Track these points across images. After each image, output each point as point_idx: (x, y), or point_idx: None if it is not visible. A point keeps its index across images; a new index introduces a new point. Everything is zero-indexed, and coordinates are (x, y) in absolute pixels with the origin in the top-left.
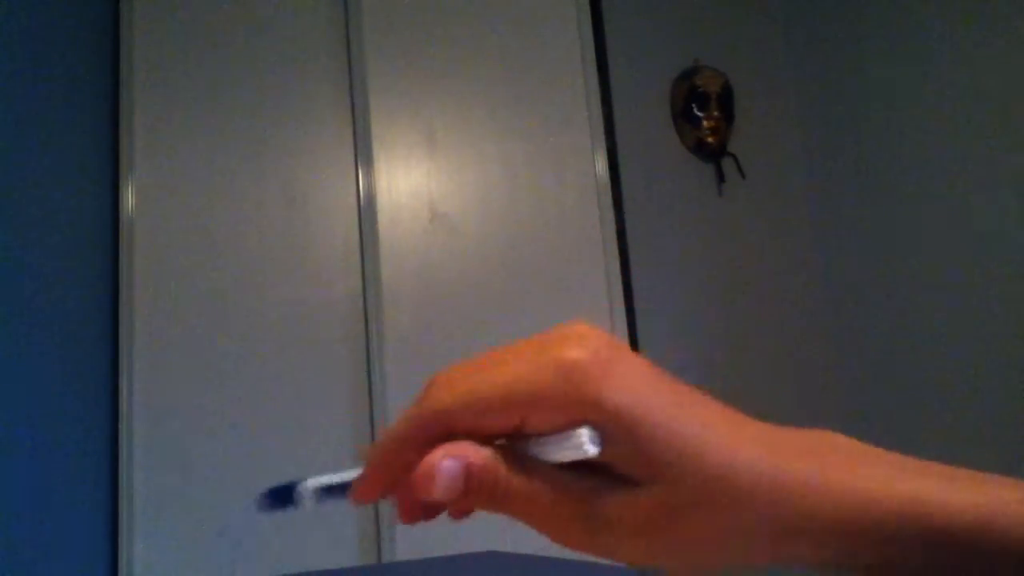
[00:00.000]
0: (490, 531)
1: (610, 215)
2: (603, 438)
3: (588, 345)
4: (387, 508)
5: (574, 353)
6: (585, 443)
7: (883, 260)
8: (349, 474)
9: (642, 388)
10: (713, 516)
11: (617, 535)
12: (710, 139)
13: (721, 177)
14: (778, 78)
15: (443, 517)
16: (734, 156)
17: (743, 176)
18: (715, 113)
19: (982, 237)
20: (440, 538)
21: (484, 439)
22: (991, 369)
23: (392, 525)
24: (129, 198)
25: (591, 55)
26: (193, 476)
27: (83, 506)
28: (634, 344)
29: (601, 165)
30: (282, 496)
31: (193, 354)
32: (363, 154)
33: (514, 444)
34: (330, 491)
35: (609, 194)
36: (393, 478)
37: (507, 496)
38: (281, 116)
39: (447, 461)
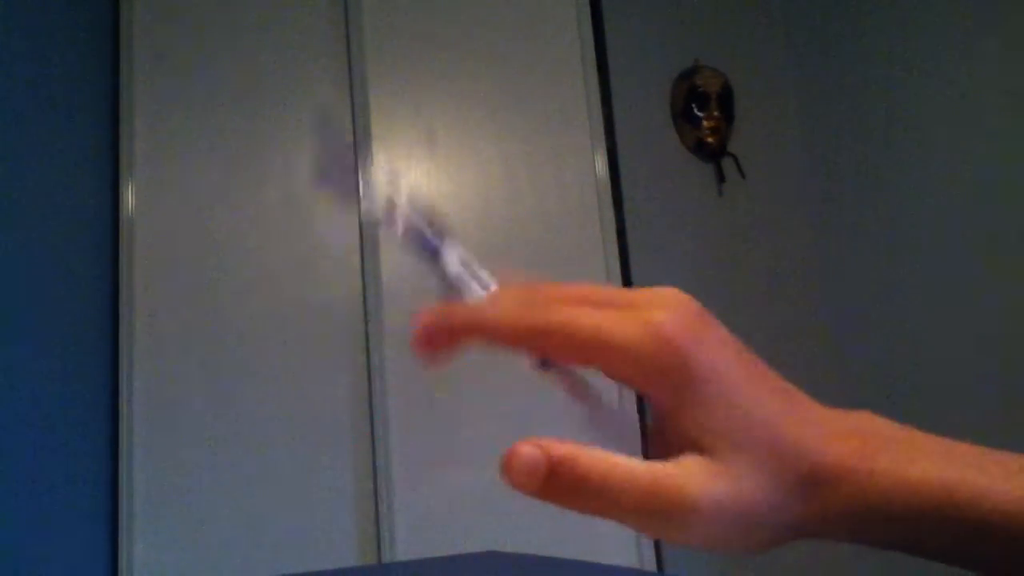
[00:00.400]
0: (490, 531)
1: (610, 215)
2: (680, 402)
3: (680, 311)
4: (387, 508)
5: (664, 316)
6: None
7: (883, 260)
8: (465, 276)
9: (726, 362)
10: (784, 502)
11: (703, 522)
12: (710, 139)
13: (721, 177)
14: (778, 78)
15: (443, 517)
16: (734, 156)
17: (743, 176)
18: (715, 113)
19: (982, 237)
20: (440, 538)
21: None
22: (991, 369)
23: (392, 525)
24: (129, 198)
25: (591, 55)
26: (193, 476)
27: (83, 506)
28: None
29: (601, 165)
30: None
31: (193, 354)
32: (363, 154)
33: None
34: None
35: (609, 194)
36: (452, 345)
37: (589, 491)
38: (281, 116)
39: (530, 449)
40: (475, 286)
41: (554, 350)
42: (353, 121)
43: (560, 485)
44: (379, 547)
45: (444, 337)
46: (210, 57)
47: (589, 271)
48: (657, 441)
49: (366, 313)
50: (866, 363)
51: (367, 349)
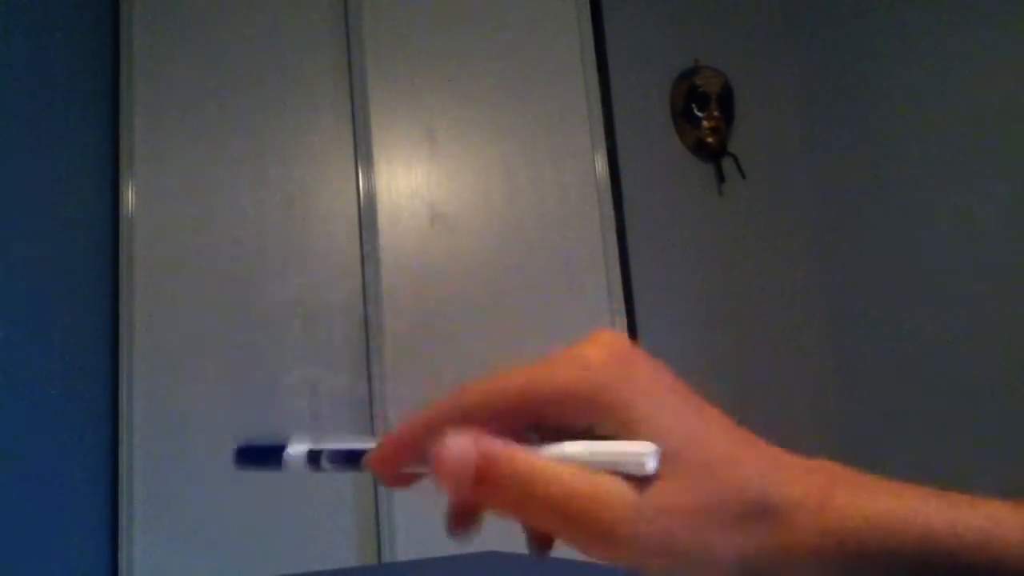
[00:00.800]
0: (490, 531)
1: (610, 215)
2: (614, 433)
3: (609, 345)
4: (387, 508)
5: (590, 352)
6: (647, 460)
7: (883, 260)
8: (347, 443)
9: (660, 390)
10: (724, 532)
11: (626, 539)
12: (710, 139)
13: (721, 177)
14: (778, 78)
15: (443, 517)
16: (734, 156)
17: (743, 176)
18: (715, 113)
19: (983, 237)
20: (440, 538)
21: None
22: (992, 369)
23: (392, 525)
24: (129, 198)
25: (591, 55)
26: (193, 477)
27: (83, 506)
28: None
29: (601, 165)
30: (264, 456)
31: (193, 354)
32: (363, 154)
33: (546, 447)
34: (319, 457)
35: (609, 194)
36: (406, 460)
37: (525, 491)
38: (281, 116)
39: (459, 442)
40: (337, 443)
41: (495, 420)
42: (353, 121)
43: (491, 479)
44: (379, 547)
45: (394, 464)
46: (210, 57)
47: (589, 271)
48: None
49: (366, 313)
50: (866, 363)
51: (367, 349)
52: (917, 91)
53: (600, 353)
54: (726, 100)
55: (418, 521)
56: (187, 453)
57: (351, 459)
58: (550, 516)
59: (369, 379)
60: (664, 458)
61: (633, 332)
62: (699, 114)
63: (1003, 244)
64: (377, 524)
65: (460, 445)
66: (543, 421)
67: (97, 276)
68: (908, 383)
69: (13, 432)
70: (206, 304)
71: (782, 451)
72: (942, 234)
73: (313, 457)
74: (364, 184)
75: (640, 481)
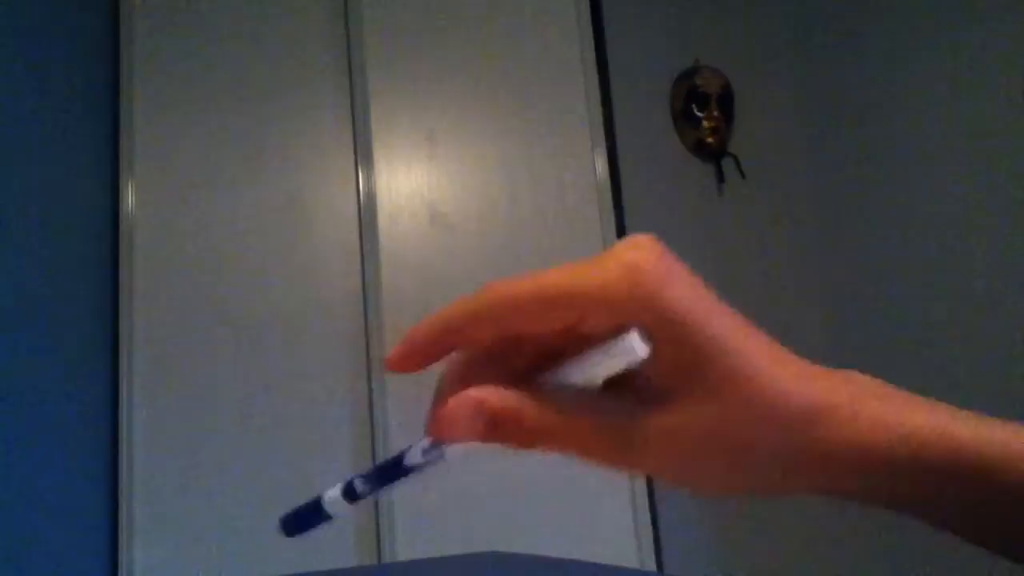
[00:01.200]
0: (490, 531)
1: (610, 215)
2: (654, 340)
3: (650, 249)
4: (387, 508)
5: (636, 254)
6: (636, 345)
7: (883, 259)
8: (365, 473)
9: (700, 297)
10: (761, 439)
11: (656, 454)
12: (710, 139)
13: (721, 177)
14: (778, 78)
15: (443, 517)
16: (734, 156)
17: (743, 176)
18: (715, 113)
19: (983, 238)
20: (440, 538)
21: (525, 354)
22: (992, 370)
23: (392, 525)
24: (129, 198)
25: (591, 55)
26: (193, 477)
27: (83, 506)
28: None
29: (601, 165)
30: (308, 515)
31: (193, 354)
32: (363, 154)
33: (551, 375)
34: (353, 488)
35: (609, 194)
36: (429, 355)
37: (535, 433)
38: (281, 116)
39: (464, 400)
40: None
41: (526, 317)
42: (353, 121)
43: (497, 438)
44: (379, 547)
45: (418, 357)
46: (210, 57)
47: None
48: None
49: (366, 313)
50: (866, 363)
51: (367, 349)
52: (917, 91)
53: (645, 255)
54: (726, 100)
55: (418, 521)
56: (187, 453)
57: (382, 473)
58: (574, 453)
59: (369, 379)
60: (700, 376)
61: None
62: (699, 114)
63: (1003, 243)
64: (377, 524)
65: (467, 405)
66: (580, 326)
67: (97, 276)
68: (908, 383)
69: (13, 433)
70: (206, 304)
71: (814, 365)
72: (942, 234)
73: (348, 491)
74: (364, 184)
75: (666, 396)
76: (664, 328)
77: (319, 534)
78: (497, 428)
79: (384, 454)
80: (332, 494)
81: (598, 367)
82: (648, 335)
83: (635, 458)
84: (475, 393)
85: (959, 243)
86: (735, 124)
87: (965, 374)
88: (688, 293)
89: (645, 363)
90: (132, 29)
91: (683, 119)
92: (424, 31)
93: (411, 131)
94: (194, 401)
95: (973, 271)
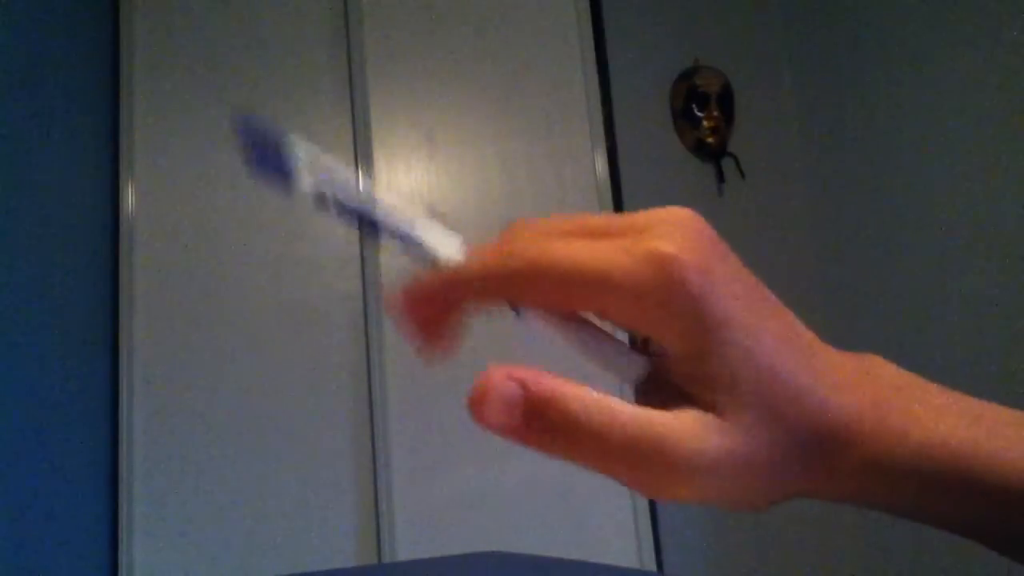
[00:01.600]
0: (490, 531)
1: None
2: (687, 348)
3: (692, 234)
4: (387, 508)
5: (671, 246)
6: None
7: (883, 260)
8: (352, 184)
9: (749, 303)
10: (798, 460)
11: (698, 478)
12: (710, 139)
13: (721, 177)
14: (778, 78)
15: (443, 517)
16: (734, 156)
17: (743, 176)
18: (715, 113)
19: (984, 238)
20: (440, 538)
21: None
22: (992, 369)
23: (392, 525)
24: (129, 198)
25: (591, 55)
26: (193, 476)
27: (83, 506)
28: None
29: (601, 165)
30: (275, 160)
31: (193, 354)
32: (363, 154)
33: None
34: (327, 200)
35: (609, 194)
36: (437, 313)
37: (579, 439)
38: (281, 116)
39: (506, 382)
40: (434, 233)
41: (543, 298)
42: (353, 121)
43: (540, 425)
44: (379, 547)
45: (424, 310)
46: (210, 57)
47: None
48: (650, 390)
49: (366, 313)
50: None
51: (367, 349)
52: (917, 91)
53: (682, 250)
54: (726, 100)
55: (418, 521)
56: (187, 453)
57: (363, 216)
58: (607, 464)
59: (369, 379)
60: (738, 395)
61: None
62: (699, 114)
63: (1005, 241)
64: (377, 524)
65: (505, 388)
66: (595, 312)
67: (97, 276)
68: None
69: (13, 432)
70: (206, 304)
71: (839, 356)
72: (943, 234)
73: (319, 199)
74: (364, 184)
75: (711, 422)
76: (698, 341)
77: (320, 533)
78: (533, 417)
79: (384, 454)
80: (306, 156)
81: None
82: (679, 345)
83: (664, 481)
84: (517, 372)
85: (960, 242)
86: (735, 124)
87: (966, 374)
88: (727, 301)
89: (678, 371)
90: (132, 29)
91: (683, 119)
92: (424, 31)
93: (411, 131)
94: (194, 401)
95: (975, 270)
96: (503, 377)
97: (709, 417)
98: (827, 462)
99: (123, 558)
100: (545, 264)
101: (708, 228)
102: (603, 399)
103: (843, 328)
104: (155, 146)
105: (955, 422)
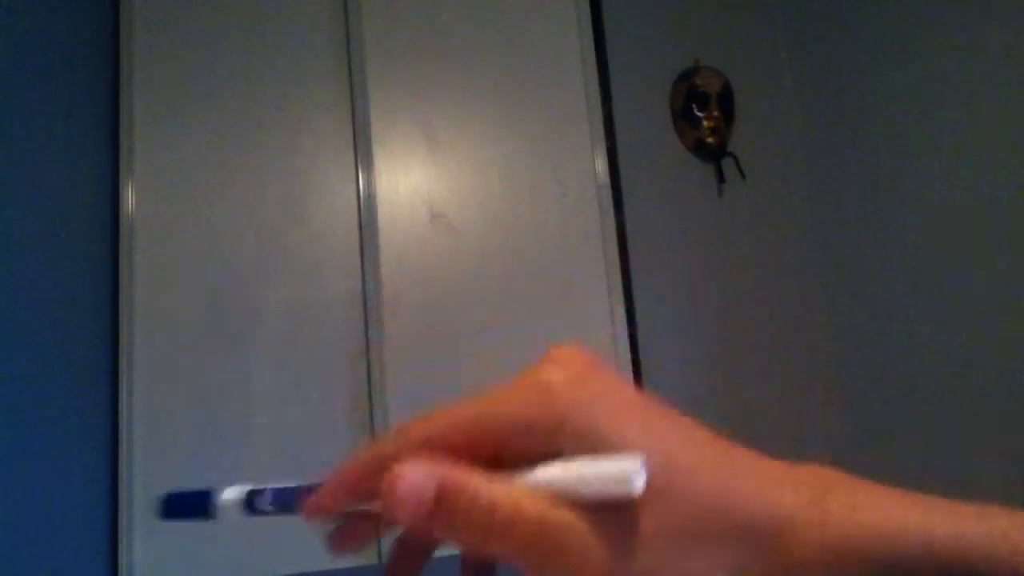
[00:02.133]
0: None
1: (610, 215)
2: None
3: (567, 364)
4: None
5: (548, 374)
6: (635, 480)
7: (883, 260)
8: (283, 485)
9: (628, 408)
10: (725, 556)
11: (626, 571)
12: (710, 139)
13: (721, 177)
14: (778, 78)
15: None
16: (734, 156)
17: (743, 176)
18: (715, 113)
19: (984, 236)
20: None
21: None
22: (993, 371)
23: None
24: (129, 198)
25: (591, 55)
26: (193, 477)
27: (83, 506)
28: (634, 345)
29: (601, 165)
30: (192, 505)
31: (193, 354)
32: (363, 154)
33: (520, 474)
34: (256, 500)
35: (609, 194)
36: (348, 497)
37: (488, 525)
38: (281, 116)
39: (417, 468)
40: (274, 484)
41: (445, 452)
42: (353, 121)
43: (448, 512)
44: (379, 547)
45: (331, 497)
46: (210, 56)
47: (589, 271)
48: None
49: (366, 313)
50: (867, 363)
51: (367, 349)
52: (917, 91)
53: (559, 374)
54: (726, 100)
55: None
56: (187, 453)
57: (301, 497)
58: (515, 552)
59: (369, 379)
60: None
61: (632, 332)
62: (699, 114)
63: (1005, 241)
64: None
65: (418, 471)
66: (504, 453)
67: (97, 276)
68: (908, 383)
69: (13, 432)
70: (206, 304)
71: (768, 460)
72: (944, 235)
73: (251, 501)
74: (364, 184)
75: (616, 509)
76: (589, 452)
77: (319, 533)
78: (445, 506)
79: None
80: (230, 497)
81: (586, 487)
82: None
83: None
84: (428, 462)
85: (961, 242)
86: (735, 124)
87: (966, 374)
88: (605, 413)
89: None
90: (132, 29)
91: (683, 119)
92: (424, 31)
93: (411, 131)
94: (194, 401)
95: (976, 270)
96: (417, 464)
97: (622, 508)
98: (762, 559)
99: (123, 558)
100: (433, 420)
101: (589, 356)
102: (517, 488)
103: (843, 328)
104: (155, 146)
105: (908, 510)
